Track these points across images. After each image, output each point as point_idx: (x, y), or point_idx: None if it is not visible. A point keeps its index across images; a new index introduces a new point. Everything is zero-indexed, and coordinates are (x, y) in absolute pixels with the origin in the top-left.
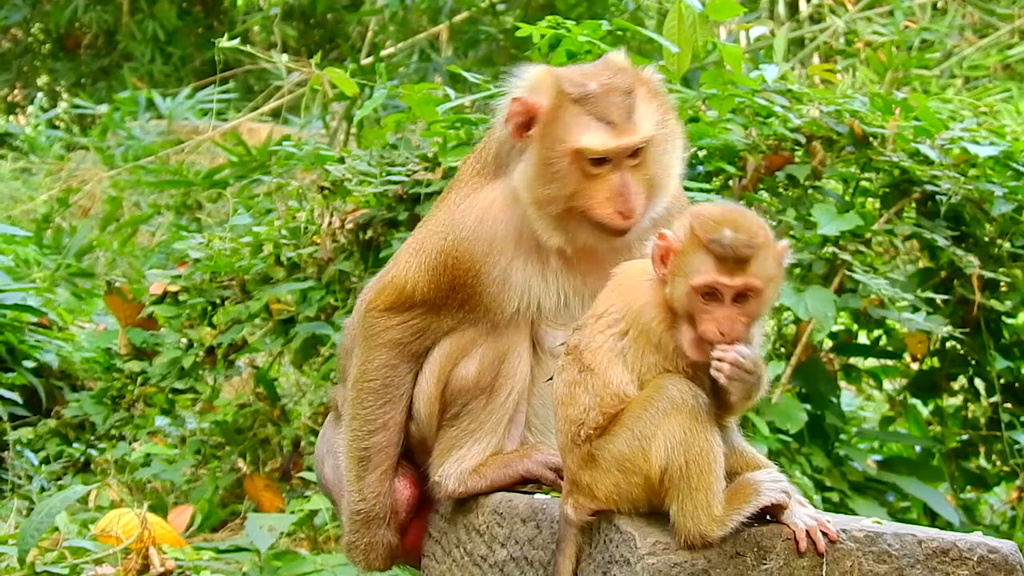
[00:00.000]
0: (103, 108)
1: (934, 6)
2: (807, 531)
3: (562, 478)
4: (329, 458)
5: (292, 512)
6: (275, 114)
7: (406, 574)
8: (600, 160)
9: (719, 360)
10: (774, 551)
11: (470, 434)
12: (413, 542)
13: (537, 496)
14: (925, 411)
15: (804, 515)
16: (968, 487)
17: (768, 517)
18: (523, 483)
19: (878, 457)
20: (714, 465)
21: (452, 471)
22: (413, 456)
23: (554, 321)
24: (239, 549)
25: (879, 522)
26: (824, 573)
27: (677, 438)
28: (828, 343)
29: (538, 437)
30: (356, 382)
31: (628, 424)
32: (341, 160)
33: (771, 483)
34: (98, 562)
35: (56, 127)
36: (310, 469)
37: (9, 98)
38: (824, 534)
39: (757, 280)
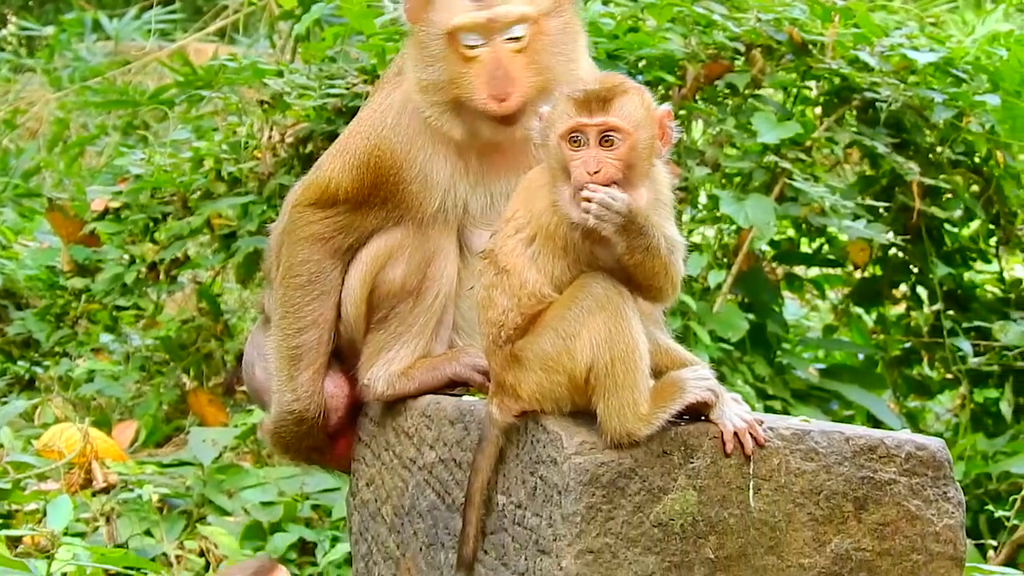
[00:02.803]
0: (50, 30)
1: None
2: (735, 432)
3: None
4: (259, 361)
5: (236, 426)
6: (222, 34)
7: (336, 478)
8: (474, 43)
9: (587, 201)
10: (701, 449)
11: (398, 337)
12: (343, 447)
13: (465, 398)
14: (868, 320)
15: (735, 415)
16: (911, 395)
17: (700, 416)
18: (451, 386)
19: (821, 366)
20: (640, 363)
21: (381, 374)
22: (343, 358)
23: (481, 222)
24: (183, 463)
25: (807, 420)
26: (751, 472)
27: (602, 336)
28: (770, 252)
29: (466, 340)
30: (283, 279)
31: (551, 324)
32: (280, 74)
33: (697, 381)
34: (41, 477)
35: (2, 49)
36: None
37: None
38: (753, 437)
39: (619, 120)
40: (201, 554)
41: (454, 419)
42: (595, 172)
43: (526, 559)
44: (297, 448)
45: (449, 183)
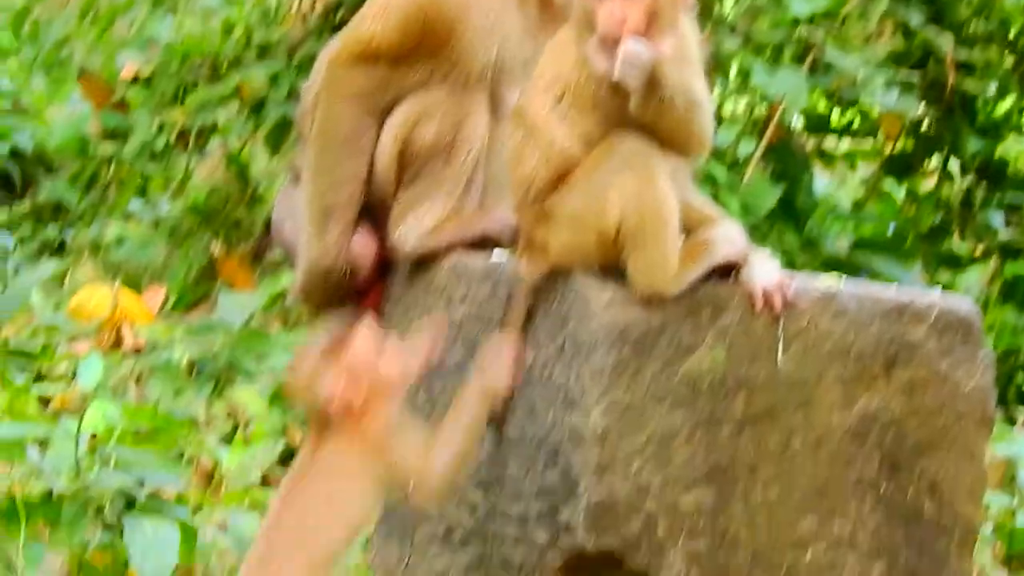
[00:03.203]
0: None
1: None
2: (764, 291)
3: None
4: (288, 220)
5: (264, 291)
6: None
7: None
8: None
9: (612, 51)
10: (730, 307)
11: (428, 195)
12: (373, 303)
13: (495, 255)
14: (899, 193)
15: (764, 273)
16: (941, 268)
17: (729, 274)
18: (481, 242)
19: (851, 239)
20: (669, 220)
21: (411, 231)
22: (374, 217)
23: (521, 79)
24: (212, 327)
25: (839, 279)
26: (780, 330)
27: (631, 193)
28: (801, 124)
29: (496, 198)
30: (317, 136)
31: (581, 182)
32: None
33: (727, 238)
34: (71, 339)
35: None
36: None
37: None
38: (782, 296)
39: None
40: (229, 416)
41: (483, 276)
42: (620, 21)
43: (554, 415)
44: (326, 305)
45: (502, 37)
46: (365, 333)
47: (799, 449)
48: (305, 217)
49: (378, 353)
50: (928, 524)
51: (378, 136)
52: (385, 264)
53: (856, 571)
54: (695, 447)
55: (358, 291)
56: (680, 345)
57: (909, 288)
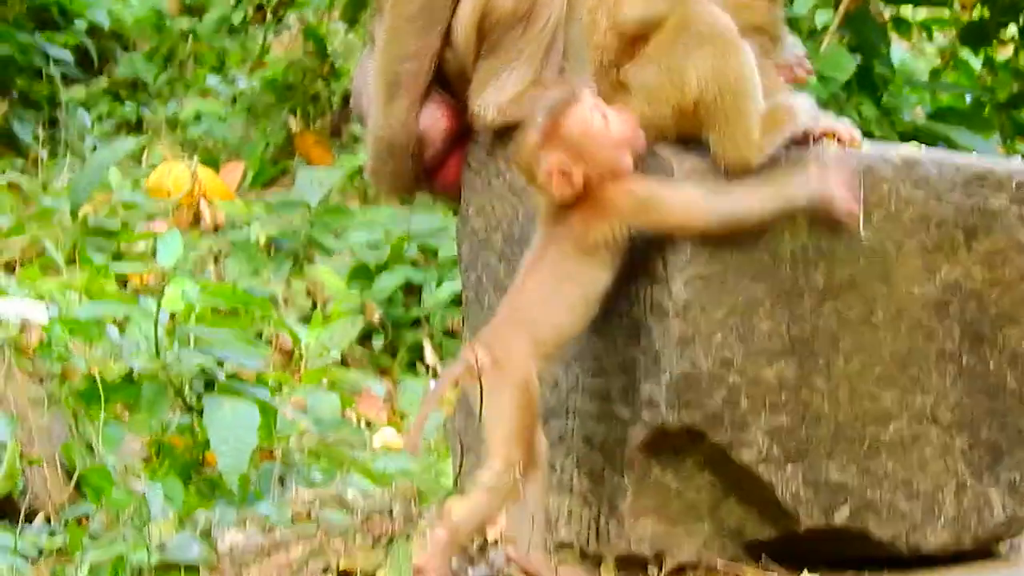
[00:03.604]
0: None
1: None
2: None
3: None
4: (366, 90)
5: (342, 167)
6: None
7: (443, 219)
8: None
9: None
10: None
11: (508, 64)
12: (452, 176)
13: None
14: (976, 63)
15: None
16: (1019, 137)
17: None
18: None
19: (928, 109)
20: (751, 92)
21: (491, 101)
22: (452, 89)
23: None
24: (290, 203)
25: (919, 147)
26: (861, 198)
27: (709, 68)
28: None
29: (575, 66)
30: (393, 6)
31: (656, 56)
32: None
33: (808, 107)
34: (150, 217)
35: None
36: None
37: None
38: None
39: None
40: (308, 294)
41: None
42: None
43: (637, 287)
44: (392, 179)
45: None
46: (577, 103)
47: (880, 321)
48: (373, 89)
49: (596, 122)
50: (1010, 396)
51: (455, 7)
52: (461, 137)
53: (938, 445)
54: (777, 319)
55: (432, 166)
56: None
57: (989, 156)
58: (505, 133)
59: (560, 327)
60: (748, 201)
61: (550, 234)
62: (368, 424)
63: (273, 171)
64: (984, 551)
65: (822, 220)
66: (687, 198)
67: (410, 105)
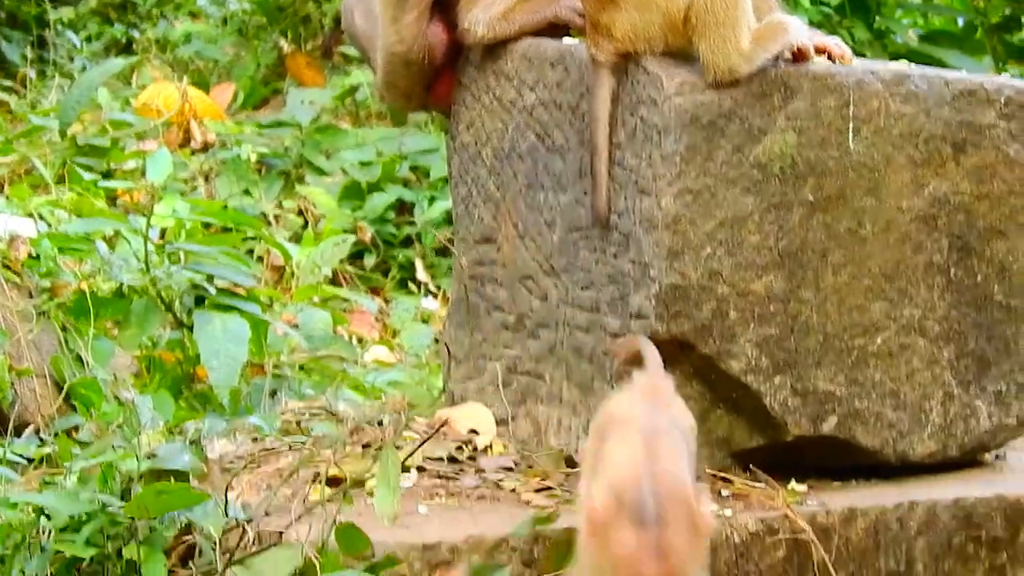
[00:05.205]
0: None
1: None
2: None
3: None
4: (358, 6)
5: (333, 88)
6: None
7: (435, 139)
8: None
9: None
10: (801, 91)
11: None
12: (444, 91)
13: (565, 40)
14: None
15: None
16: (1011, 61)
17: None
18: (552, 28)
19: (920, 31)
20: (741, 2)
21: (481, 17)
22: (443, 6)
23: None
24: (281, 124)
25: (909, 63)
26: (851, 113)
27: None
28: None
29: None
30: None
31: None
32: None
33: (799, 24)
34: (140, 136)
35: None
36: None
37: None
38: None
39: None
40: (300, 213)
41: (554, 61)
42: None
43: (626, 199)
44: (408, 96)
45: None
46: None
47: (869, 234)
48: (380, 6)
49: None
50: (997, 308)
51: None
52: (454, 54)
53: (925, 356)
54: (766, 232)
55: (429, 82)
56: (751, 129)
57: (979, 73)
58: (494, 49)
59: None
60: None
61: None
62: (360, 341)
63: (264, 92)
64: (970, 460)
65: (812, 133)
66: None
67: (418, 17)
